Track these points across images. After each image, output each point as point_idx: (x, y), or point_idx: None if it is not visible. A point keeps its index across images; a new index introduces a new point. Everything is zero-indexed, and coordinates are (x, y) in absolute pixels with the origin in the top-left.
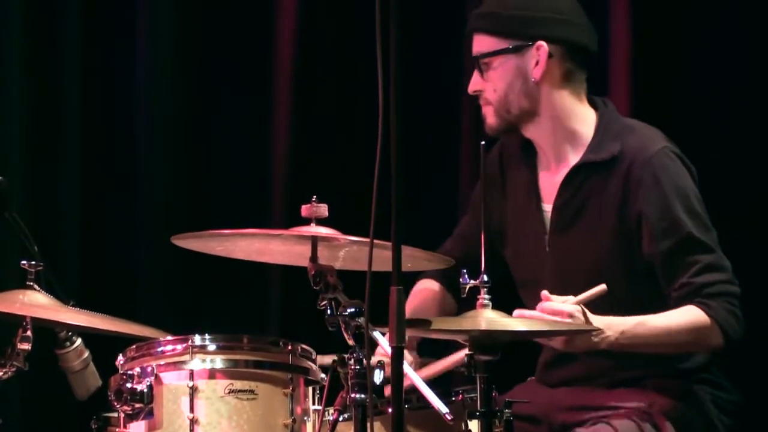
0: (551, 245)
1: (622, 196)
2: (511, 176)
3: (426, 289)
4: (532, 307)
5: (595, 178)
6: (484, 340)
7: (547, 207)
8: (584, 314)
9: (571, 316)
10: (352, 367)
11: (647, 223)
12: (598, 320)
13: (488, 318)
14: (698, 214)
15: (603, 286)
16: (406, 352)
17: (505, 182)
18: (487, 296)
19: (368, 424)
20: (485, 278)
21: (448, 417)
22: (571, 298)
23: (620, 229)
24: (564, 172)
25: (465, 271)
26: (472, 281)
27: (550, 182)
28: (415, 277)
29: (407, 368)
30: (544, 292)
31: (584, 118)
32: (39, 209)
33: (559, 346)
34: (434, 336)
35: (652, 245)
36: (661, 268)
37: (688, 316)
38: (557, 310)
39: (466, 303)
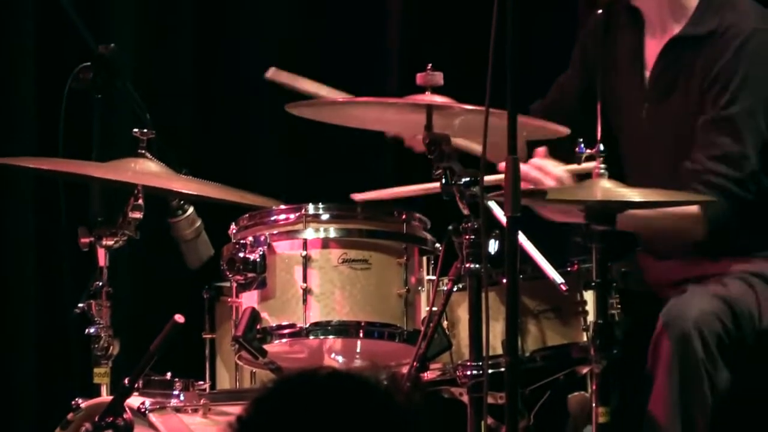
0: (647, 114)
1: (708, 71)
2: (618, 42)
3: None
4: (631, 177)
5: (690, 54)
6: (600, 210)
7: (648, 74)
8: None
9: (559, 181)
10: (467, 236)
11: (710, 88)
12: None
13: (604, 188)
14: (755, 111)
15: (594, 164)
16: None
17: (611, 49)
18: (603, 165)
19: (483, 295)
20: (601, 147)
21: (563, 287)
22: (562, 166)
23: (702, 106)
24: (665, 41)
25: (581, 140)
26: (588, 150)
27: (653, 51)
28: None
29: (522, 238)
30: (540, 149)
31: None
32: (153, 78)
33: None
34: (548, 206)
35: (703, 108)
36: (695, 134)
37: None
38: (546, 169)
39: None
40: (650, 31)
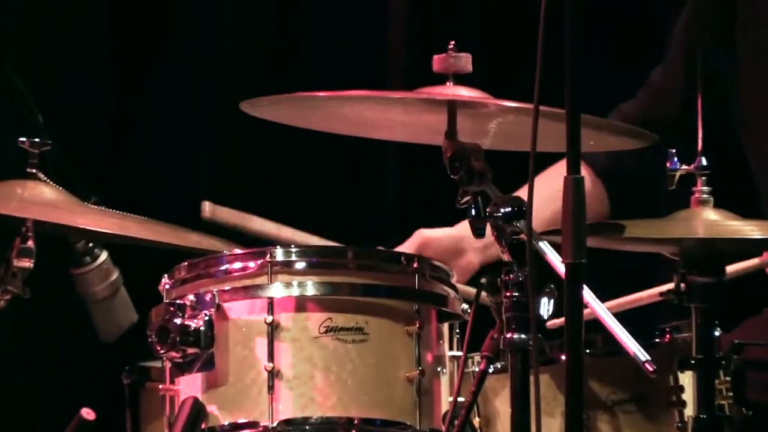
0: None
1: None
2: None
3: None
4: None
5: None
6: (703, 253)
7: None
8: None
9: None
10: (508, 294)
11: None
12: None
13: (709, 220)
14: None
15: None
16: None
17: (737, 25)
18: (706, 188)
19: (532, 378)
20: (703, 162)
21: (650, 367)
22: None
23: None
24: None
25: (674, 151)
26: (683, 166)
27: None
28: None
29: (590, 296)
30: None
31: None
32: (50, 66)
33: None
34: (626, 247)
35: None
36: None
37: None
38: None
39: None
40: None
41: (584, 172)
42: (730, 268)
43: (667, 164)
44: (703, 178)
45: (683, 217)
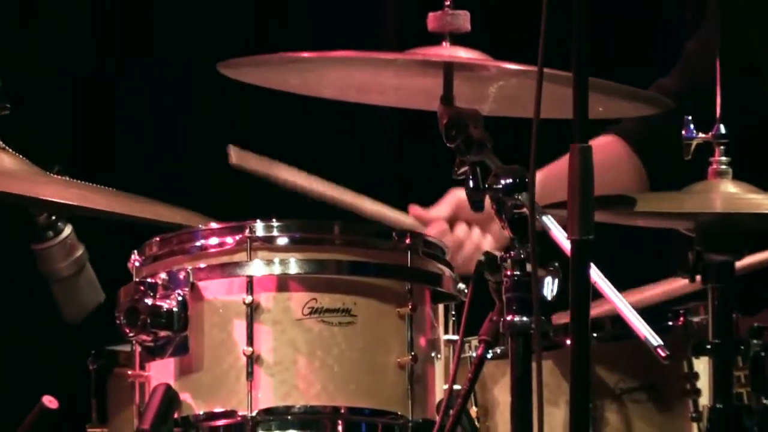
0: None
1: None
2: None
3: (606, 151)
4: None
5: None
6: (720, 230)
7: None
8: None
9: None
10: (509, 272)
11: None
12: None
13: (727, 194)
14: None
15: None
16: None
17: None
18: (724, 158)
19: (534, 364)
20: (722, 129)
21: (662, 353)
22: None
23: None
24: None
25: (690, 118)
26: (700, 134)
27: None
28: None
29: (597, 275)
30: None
31: None
32: (11, 28)
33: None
34: (638, 223)
35: None
36: None
37: None
38: None
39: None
40: None
41: (619, 146)
42: (746, 261)
43: (684, 132)
44: (722, 147)
45: (699, 190)
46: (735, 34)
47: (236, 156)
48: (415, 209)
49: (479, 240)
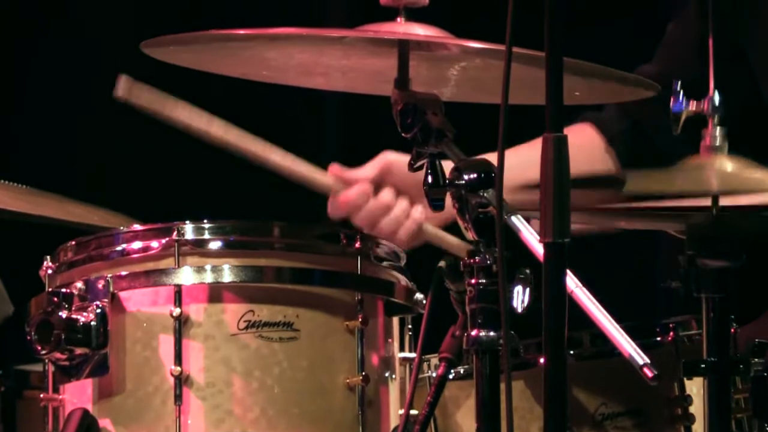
0: None
1: None
2: None
3: (578, 141)
4: None
5: None
6: (717, 220)
7: None
8: None
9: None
10: (473, 281)
11: None
12: None
13: (725, 173)
14: None
15: None
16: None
17: None
18: (719, 129)
19: (503, 385)
20: (716, 100)
21: (649, 372)
22: None
23: None
24: None
25: (678, 89)
26: (692, 103)
27: None
28: None
29: (574, 284)
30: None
31: None
32: None
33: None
34: (620, 225)
35: None
36: None
37: None
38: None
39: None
40: None
41: (594, 136)
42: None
43: (672, 104)
44: (716, 119)
45: (691, 167)
46: (718, 15)
47: (124, 88)
48: (335, 168)
49: (407, 208)
